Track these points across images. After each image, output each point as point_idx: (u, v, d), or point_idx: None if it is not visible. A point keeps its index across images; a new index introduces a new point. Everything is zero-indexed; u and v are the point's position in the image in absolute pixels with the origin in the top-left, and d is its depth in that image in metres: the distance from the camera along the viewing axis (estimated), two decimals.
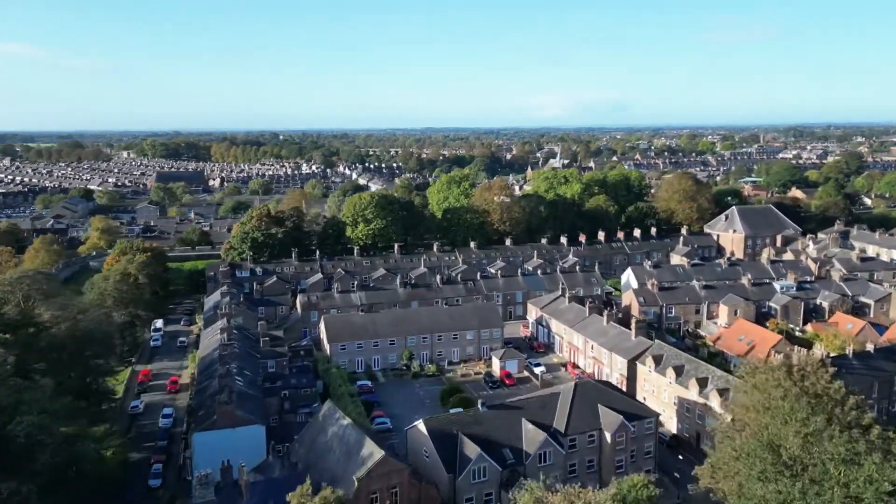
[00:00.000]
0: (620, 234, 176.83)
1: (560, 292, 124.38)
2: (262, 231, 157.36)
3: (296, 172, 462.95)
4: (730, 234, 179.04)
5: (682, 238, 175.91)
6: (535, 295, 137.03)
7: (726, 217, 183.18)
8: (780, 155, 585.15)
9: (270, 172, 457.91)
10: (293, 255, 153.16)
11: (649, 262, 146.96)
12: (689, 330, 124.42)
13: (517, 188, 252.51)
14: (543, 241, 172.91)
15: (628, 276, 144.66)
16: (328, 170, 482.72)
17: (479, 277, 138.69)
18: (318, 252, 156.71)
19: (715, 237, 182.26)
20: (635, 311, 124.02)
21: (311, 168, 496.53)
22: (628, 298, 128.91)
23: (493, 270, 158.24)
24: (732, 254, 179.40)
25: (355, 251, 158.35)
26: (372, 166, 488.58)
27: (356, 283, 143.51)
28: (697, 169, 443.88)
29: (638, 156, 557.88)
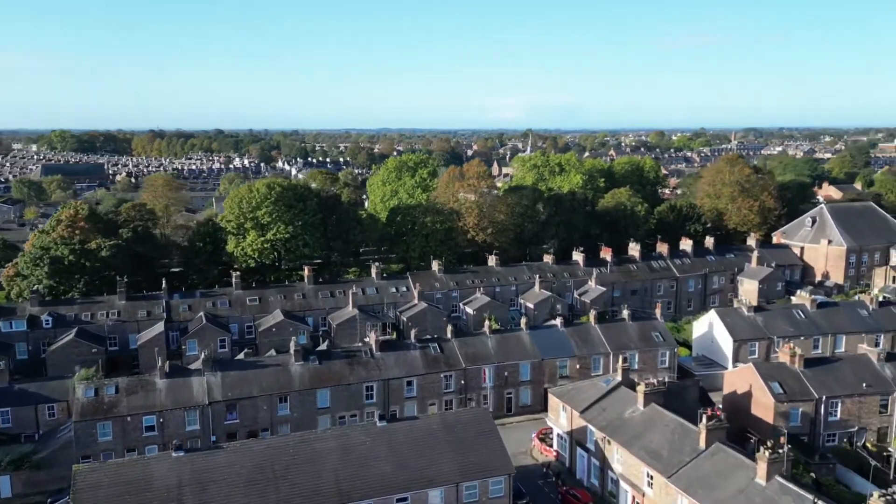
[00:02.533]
0: (662, 248, 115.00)
1: (617, 376, 61.28)
2: (71, 245, 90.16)
3: (228, 167, 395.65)
4: (822, 247, 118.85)
5: (755, 254, 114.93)
6: (555, 368, 73.95)
7: (813, 221, 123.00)
8: (764, 151, 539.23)
9: (194, 167, 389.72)
10: (122, 288, 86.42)
11: (744, 304, 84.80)
12: (869, 446, 62.91)
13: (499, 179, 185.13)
14: (546, 257, 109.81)
15: (711, 326, 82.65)
16: (264, 165, 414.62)
17: (448, 332, 74.44)
18: (164, 282, 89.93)
19: (798, 251, 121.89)
20: (763, 409, 61.93)
21: (245, 163, 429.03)
22: (738, 383, 66.33)
23: (470, 311, 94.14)
24: (826, 275, 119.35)
25: (233, 279, 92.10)
26: (316, 161, 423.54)
27: (219, 345, 78.54)
28: (682, 165, 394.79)
29: (612, 152, 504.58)
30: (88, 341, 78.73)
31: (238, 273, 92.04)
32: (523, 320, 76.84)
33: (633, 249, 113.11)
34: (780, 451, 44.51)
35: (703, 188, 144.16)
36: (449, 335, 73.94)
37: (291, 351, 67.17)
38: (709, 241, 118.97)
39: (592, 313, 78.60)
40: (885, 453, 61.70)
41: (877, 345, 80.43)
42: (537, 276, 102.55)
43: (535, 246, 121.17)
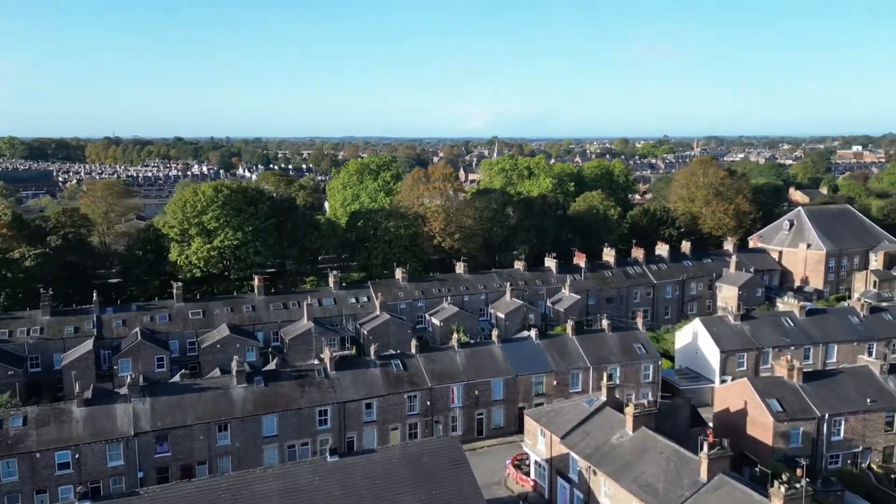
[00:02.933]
0: (637, 253, 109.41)
1: (601, 395, 54.61)
2: None
3: (185, 174, 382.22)
4: (801, 251, 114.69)
5: (733, 259, 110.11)
6: (530, 385, 67.25)
7: (791, 224, 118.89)
8: (727, 158, 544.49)
9: (150, 174, 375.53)
10: (46, 302, 77.15)
11: (730, 312, 79.15)
12: (875, 467, 57.36)
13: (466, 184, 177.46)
14: (517, 264, 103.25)
15: (695, 336, 76.84)
16: (223, 171, 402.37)
17: (412, 347, 67.13)
18: (95, 294, 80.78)
19: (776, 255, 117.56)
20: (761, 429, 56.02)
21: (203, 169, 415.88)
22: (731, 399, 60.32)
23: (437, 322, 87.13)
24: (805, 280, 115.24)
25: (174, 290, 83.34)
26: (278, 167, 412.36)
27: (156, 364, 70.40)
28: (647, 171, 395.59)
29: (578, 158, 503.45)
30: (4, 363, 69.42)
31: (180, 284, 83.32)
32: (494, 332, 69.97)
33: (608, 255, 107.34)
34: (798, 484, 38.24)
35: (675, 191, 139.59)
36: (413, 350, 66.64)
37: (234, 372, 59.10)
38: (685, 246, 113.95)
39: (570, 324, 72.09)
40: (892, 475, 56.23)
41: (870, 354, 75.66)
42: (508, 283, 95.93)
43: (504, 252, 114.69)
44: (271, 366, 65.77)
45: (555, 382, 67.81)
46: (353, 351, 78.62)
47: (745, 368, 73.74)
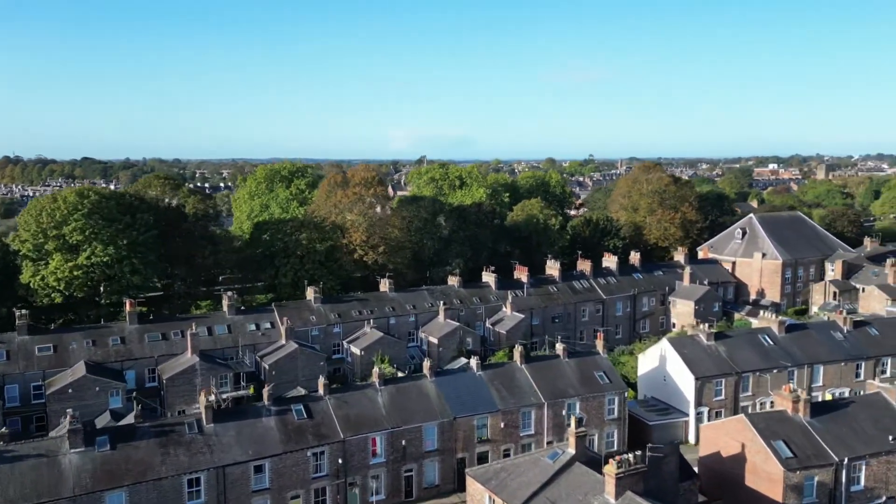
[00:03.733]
0: (584, 265, 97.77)
1: (568, 447, 41.04)
2: None
3: None
4: (756, 261, 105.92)
5: (686, 270, 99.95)
6: (471, 429, 53.44)
7: (744, 233, 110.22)
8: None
9: (49, 193, 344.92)
10: None
11: (703, 331, 67.49)
12: None
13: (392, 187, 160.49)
14: (451, 280, 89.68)
15: (663, 360, 64.84)
16: None
17: (320, 386, 51.91)
18: None
19: (729, 266, 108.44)
20: (766, 481, 43.86)
21: (111, 188, 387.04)
22: (722, 441, 48.03)
23: (357, 351, 72.60)
24: (761, 292, 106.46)
25: (17, 319, 65.29)
26: (193, 185, 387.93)
27: None
28: (576, 188, 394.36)
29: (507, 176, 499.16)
30: None
31: (24, 312, 65.47)
32: (426, 363, 55.79)
33: (552, 268, 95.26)
34: None
35: (617, 200, 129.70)
36: (321, 391, 51.67)
37: (65, 431, 42.67)
38: (634, 258, 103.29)
39: (517, 350, 58.71)
40: None
41: (857, 376, 65.67)
42: (441, 302, 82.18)
43: (437, 267, 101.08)
44: (129, 419, 49.43)
45: (502, 425, 54.19)
46: (251, 391, 62.92)
47: (723, 397, 62.23)
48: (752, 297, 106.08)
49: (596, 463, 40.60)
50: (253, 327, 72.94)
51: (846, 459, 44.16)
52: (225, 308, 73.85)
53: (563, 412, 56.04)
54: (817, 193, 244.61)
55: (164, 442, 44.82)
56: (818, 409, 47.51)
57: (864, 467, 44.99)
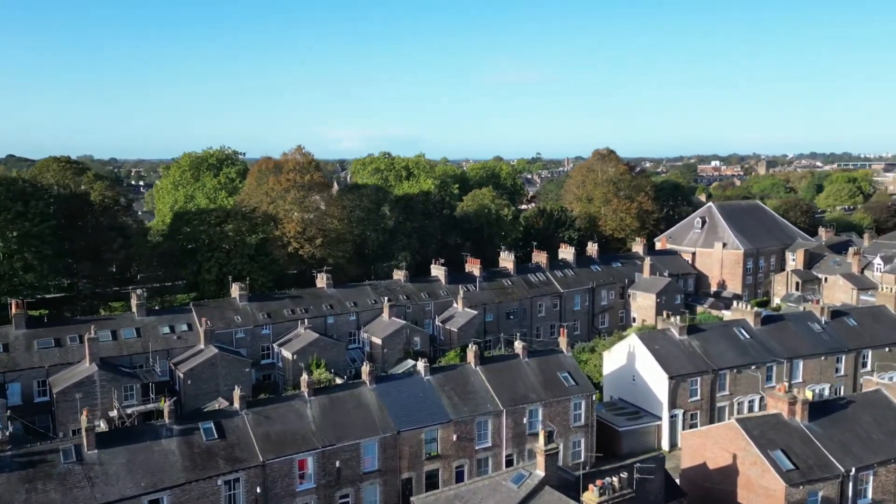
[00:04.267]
0: (539, 257, 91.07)
1: (536, 468, 33.50)
2: None
3: None
4: (717, 251, 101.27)
5: (646, 261, 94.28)
6: (419, 445, 45.56)
7: (703, 222, 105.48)
8: None
9: None
10: None
11: (675, 324, 61.07)
12: None
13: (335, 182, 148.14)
14: (397, 274, 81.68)
15: (631, 357, 58.22)
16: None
17: (236, 399, 43.17)
18: None
19: (688, 257, 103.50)
20: (763, 497, 37.34)
21: None
22: (709, 451, 41.44)
23: (289, 355, 64.08)
24: (722, 284, 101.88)
25: None
26: (126, 184, 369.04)
27: None
28: (526, 185, 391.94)
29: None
30: None
31: None
32: (365, 368, 47.61)
33: (506, 260, 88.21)
34: None
35: (571, 191, 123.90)
36: (236, 403, 43.00)
37: None
38: (591, 249, 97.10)
39: (471, 349, 51.12)
40: None
41: (837, 372, 60.48)
42: (386, 298, 74.04)
43: (381, 262, 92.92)
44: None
45: (454, 437, 46.52)
46: (163, 403, 53.48)
47: (698, 398, 56.02)
48: (714, 288, 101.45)
49: (570, 486, 33.32)
50: (167, 330, 63.37)
51: (853, 470, 38.07)
52: (133, 308, 64.06)
53: (525, 420, 48.76)
54: (762, 187, 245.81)
55: (31, 475, 35.52)
56: (816, 410, 41.40)
57: (871, 478, 39.03)
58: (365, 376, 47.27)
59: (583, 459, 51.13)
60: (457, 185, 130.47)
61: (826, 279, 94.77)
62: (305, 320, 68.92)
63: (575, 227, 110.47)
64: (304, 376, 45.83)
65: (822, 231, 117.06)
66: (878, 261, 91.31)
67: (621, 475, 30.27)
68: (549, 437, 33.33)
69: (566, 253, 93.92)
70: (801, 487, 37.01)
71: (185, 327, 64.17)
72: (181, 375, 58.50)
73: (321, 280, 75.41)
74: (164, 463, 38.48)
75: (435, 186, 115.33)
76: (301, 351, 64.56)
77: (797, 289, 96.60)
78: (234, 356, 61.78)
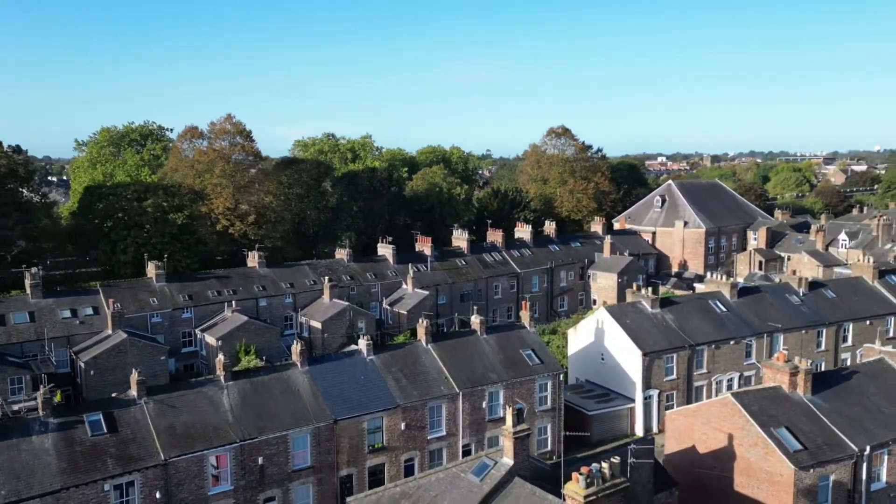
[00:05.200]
0: (495, 236, 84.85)
1: (503, 455, 26.79)
2: None
3: None
4: (678, 230, 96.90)
5: (606, 240, 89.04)
6: (360, 435, 38.34)
7: (663, 200, 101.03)
8: None
9: None
10: None
11: (647, 297, 55.37)
12: None
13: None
14: (340, 253, 74.26)
15: (600, 334, 52.24)
16: None
17: (133, 385, 35.22)
18: None
19: (648, 237, 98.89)
20: (766, 483, 31.53)
21: None
22: (699, 432, 35.54)
23: (213, 341, 56.16)
24: (684, 264, 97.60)
25: None
26: (59, 180, 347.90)
27: None
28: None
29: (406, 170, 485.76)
30: None
31: None
32: (295, 347, 40.17)
33: (459, 239, 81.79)
34: None
35: (526, 171, 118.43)
36: (134, 391, 35.12)
37: None
38: (549, 228, 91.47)
39: (422, 324, 44.25)
40: None
41: (818, 347, 55.87)
42: (326, 278, 66.51)
43: (323, 243, 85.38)
44: None
45: (402, 426, 39.55)
46: (59, 398, 44.99)
47: (674, 376, 50.46)
48: (675, 269, 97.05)
49: (545, 476, 26.79)
50: (67, 314, 54.61)
51: (868, 448, 32.66)
52: (28, 290, 54.97)
53: (484, 404, 42.18)
54: (711, 177, 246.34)
55: None
56: (818, 382, 35.97)
57: (885, 458, 33.72)
58: (295, 357, 39.87)
59: (550, 448, 44.94)
60: (406, 169, 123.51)
61: (789, 257, 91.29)
62: (233, 303, 60.86)
63: (531, 209, 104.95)
64: (220, 357, 38.16)
65: (778, 213, 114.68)
66: (843, 237, 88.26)
67: (612, 460, 23.87)
68: (519, 416, 26.71)
69: (523, 232, 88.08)
70: (812, 471, 31.38)
71: (89, 311, 55.47)
72: (83, 365, 49.93)
73: (252, 259, 67.39)
74: (34, 465, 30.45)
75: (382, 169, 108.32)
76: (227, 336, 56.57)
77: (760, 268, 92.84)
78: (148, 342, 53.44)
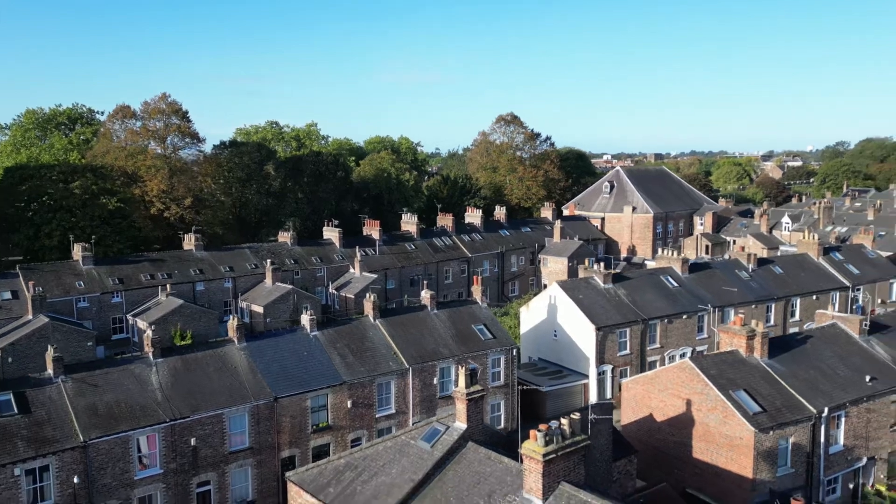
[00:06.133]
0: (445, 220, 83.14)
1: (457, 418, 24.94)
2: None
3: None
4: (627, 216, 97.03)
5: (556, 225, 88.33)
6: (303, 414, 36.02)
7: (612, 186, 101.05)
8: None
9: None
10: None
11: (598, 272, 54.45)
12: (884, 490, 34.92)
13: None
14: (283, 236, 71.32)
15: (552, 310, 51.00)
16: None
17: (51, 368, 32.01)
18: None
19: (597, 223, 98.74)
20: (726, 448, 30.68)
21: None
22: (656, 399, 34.52)
23: (145, 326, 52.76)
24: (632, 249, 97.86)
25: None
26: None
27: None
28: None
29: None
30: None
31: None
32: (231, 323, 37.53)
33: (409, 223, 79.70)
34: None
35: (475, 160, 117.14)
36: (49, 369, 31.98)
37: None
38: (499, 213, 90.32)
39: (369, 298, 42.18)
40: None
41: (767, 321, 55.97)
42: (268, 262, 63.55)
43: (266, 229, 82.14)
44: None
45: (349, 403, 37.34)
46: None
47: (628, 351, 49.59)
48: (624, 254, 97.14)
49: (500, 442, 25.09)
50: None
51: (826, 410, 32.07)
52: None
53: (435, 381, 40.31)
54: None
55: None
56: (775, 347, 35.36)
57: (843, 420, 33.22)
58: (232, 333, 37.21)
59: (503, 426, 43.32)
60: (353, 158, 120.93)
61: (735, 241, 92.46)
62: (168, 286, 57.36)
63: (481, 196, 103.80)
64: (148, 332, 35.26)
65: (722, 201, 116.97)
66: (786, 220, 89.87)
67: (572, 417, 22.29)
68: (472, 377, 24.90)
69: (473, 217, 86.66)
70: (772, 433, 30.56)
71: (7, 295, 51.34)
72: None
73: (189, 241, 63.89)
74: None
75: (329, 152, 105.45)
76: (161, 320, 53.08)
77: (707, 252, 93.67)
78: (74, 328, 49.69)
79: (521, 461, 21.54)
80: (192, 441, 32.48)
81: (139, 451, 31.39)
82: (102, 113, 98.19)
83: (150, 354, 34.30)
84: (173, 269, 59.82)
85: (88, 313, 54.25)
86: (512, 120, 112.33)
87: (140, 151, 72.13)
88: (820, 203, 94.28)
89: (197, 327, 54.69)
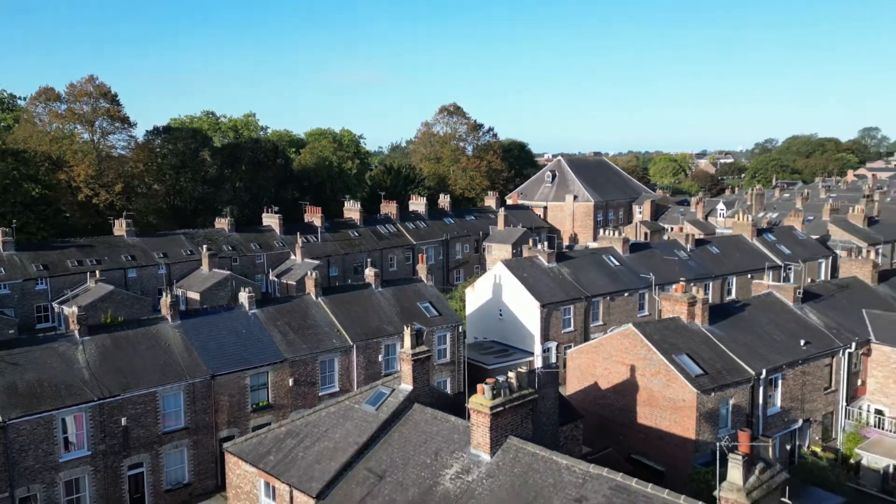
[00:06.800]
0: (389, 208, 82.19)
1: (403, 380, 24.34)
2: None
3: None
4: (568, 204, 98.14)
5: (500, 213, 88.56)
6: (242, 392, 34.67)
7: (553, 176, 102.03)
8: None
9: None
10: None
11: (542, 252, 54.68)
12: (819, 451, 36.07)
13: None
14: (220, 222, 69.09)
15: (497, 290, 50.87)
16: None
17: None
18: None
19: (540, 211, 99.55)
20: (669, 410, 31.04)
21: None
22: (600, 367, 34.70)
23: (70, 313, 49.51)
24: (574, 237, 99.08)
25: None
26: None
27: None
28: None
29: None
30: None
31: None
32: (165, 300, 35.91)
33: (352, 210, 78.57)
34: None
35: (419, 150, 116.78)
36: None
37: None
38: (444, 201, 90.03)
39: (311, 275, 41.11)
40: (850, 461, 35.44)
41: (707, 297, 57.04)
42: (205, 247, 61.39)
43: (202, 217, 79.41)
44: None
45: (290, 382, 36.21)
46: None
47: (572, 328, 49.89)
48: (566, 242, 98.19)
49: (447, 402, 24.63)
50: None
51: (763, 372, 32.79)
52: None
53: (380, 358, 39.56)
54: None
55: None
56: (714, 314, 35.99)
57: (780, 382, 34.05)
58: (165, 310, 35.57)
59: None
60: (294, 150, 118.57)
61: (672, 229, 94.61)
62: (97, 273, 54.68)
63: (425, 186, 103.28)
64: (74, 309, 33.32)
65: (660, 192, 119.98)
66: (721, 207, 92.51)
67: (519, 370, 21.97)
68: (418, 338, 24.33)
69: (418, 205, 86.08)
70: (713, 394, 31.01)
71: None
72: None
73: (120, 227, 61.15)
74: None
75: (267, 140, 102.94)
76: (90, 307, 50.31)
77: (646, 239, 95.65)
78: None
79: (469, 418, 21.08)
80: (123, 421, 30.81)
81: (65, 431, 29.55)
82: (25, 98, 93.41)
83: (77, 332, 32.40)
84: (103, 255, 57.11)
85: (10, 301, 51.21)
86: (455, 111, 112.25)
87: (66, 136, 68.68)
88: (752, 190, 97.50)
89: (129, 314, 52.20)
